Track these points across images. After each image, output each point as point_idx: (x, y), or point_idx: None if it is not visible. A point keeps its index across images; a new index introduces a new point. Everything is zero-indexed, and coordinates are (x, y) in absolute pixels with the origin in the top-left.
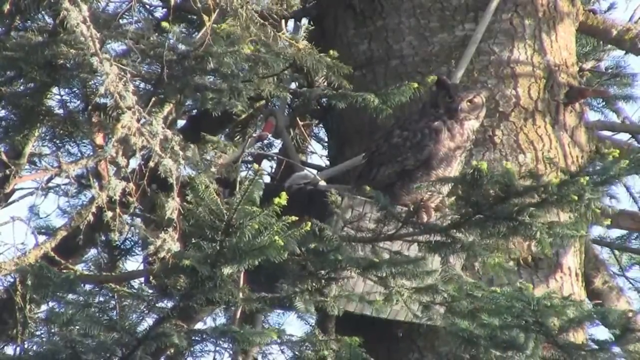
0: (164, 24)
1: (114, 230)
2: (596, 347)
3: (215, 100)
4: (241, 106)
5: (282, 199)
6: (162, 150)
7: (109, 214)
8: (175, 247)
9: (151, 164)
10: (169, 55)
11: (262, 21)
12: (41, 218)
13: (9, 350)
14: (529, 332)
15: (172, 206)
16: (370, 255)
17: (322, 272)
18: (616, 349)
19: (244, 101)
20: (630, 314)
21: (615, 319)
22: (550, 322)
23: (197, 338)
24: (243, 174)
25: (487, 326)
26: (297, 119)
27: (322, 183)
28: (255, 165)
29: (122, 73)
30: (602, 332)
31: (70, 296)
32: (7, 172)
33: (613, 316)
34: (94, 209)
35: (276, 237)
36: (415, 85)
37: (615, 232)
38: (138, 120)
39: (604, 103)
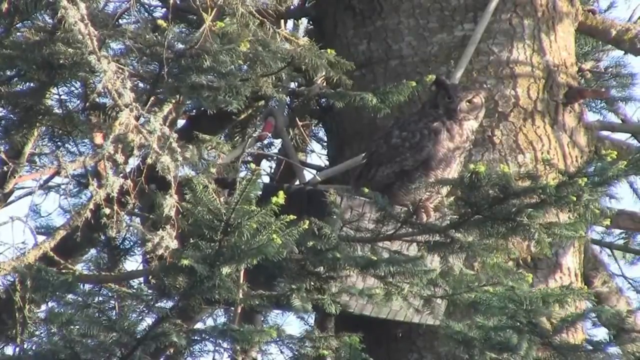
0: (160, 22)
1: (111, 227)
2: (591, 348)
3: (210, 98)
4: (237, 104)
5: (280, 198)
6: (160, 148)
7: (107, 211)
8: (173, 244)
9: (149, 161)
10: (166, 53)
11: (260, 18)
12: (42, 217)
13: (9, 350)
14: (522, 334)
15: (170, 203)
16: (369, 255)
17: (321, 270)
18: (611, 350)
19: (242, 99)
20: (627, 313)
21: (609, 319)
22: (544, 323)
23: (196, 338)
24: (242, 174)
25: (481, 328)
26: (297, 119)
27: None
28: (253, 165)
29: (120, 70)
30: (602, 332)
31: (70, 296)
32: (5, 168)
33: (606, 315)
34: (91, 206)
35: (274, 236)
36: (414, 84)
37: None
38: (137, 118)
39: (603, 104)
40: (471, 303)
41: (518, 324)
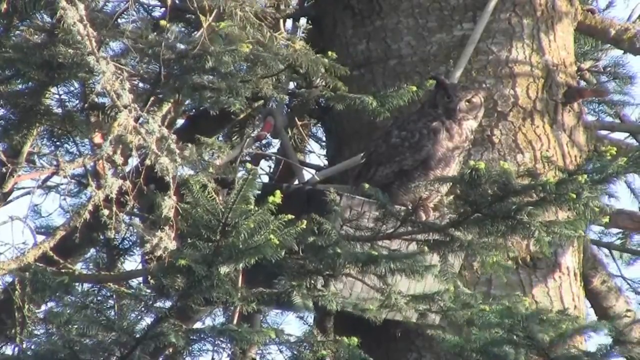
0: (162, 22)
1: (110, 228)
2: (587, 358)
3: (213, 99)
4: (239, 104)
5: (277, 198)
6: (159, 149)
7: (106, 212)
8: (172, 245)
9: (148, 162)
10: (167, 54)
11: (258, 22)
12: (43, 217)
13: (8, 350)
14: (519, 348)
15: (169, 204)
16: (369, 250)
17: (321, 270)
18: None
19: (243, 101)
20: (629, 314)
21: (606, 334)
22: (541, 337)
23: (195, 337)
24: (241, 174)
25: (477, 340)
26: (296, 118)
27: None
28: (249, 165)
29: (119, 72)
30: (601, 334)
31: (69, 297)
32: (4, 170)
33: (603, 330)
34: (90, 207)
35: (272, 236)
36: (414, 88)
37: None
38: (136, 119)
39: (601, 104)
40: (466, 321)
41: (515, 337)
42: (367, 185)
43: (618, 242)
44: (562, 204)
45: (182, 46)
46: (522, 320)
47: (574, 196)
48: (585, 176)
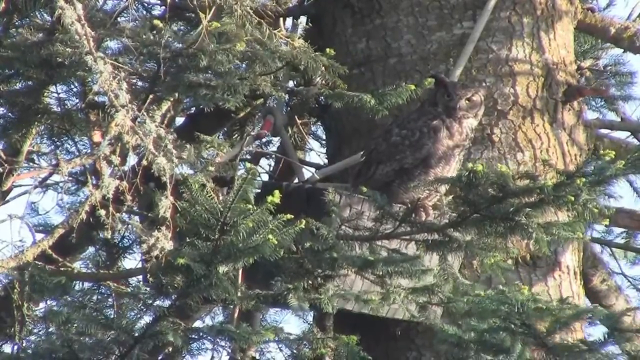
0: (156, 22)
1: (107, 228)
2: (586, 347)
3: (208, 96)
4: (234, 102)
5: (276, 197)
6: (156, 149)
7: (103, 212)
8: (169, 245)
9: (144, 162)
10: (163, 53)
11: (257, 19)
12: (40, 215)
13: (7, 348)
14: (515, 335)
15: (166, 205)
16: (367, 254)
17: (319, 270)
18: (606, 350)
19: (240, 98)
20: (628, 311)
21: (602, 320)
22: (538, 325)
23: (194, 336)
24: (241, 172)
25: (475, 330)
26: (296, 117)
27: None
28: (248, 165)
29: (116, 72)
30: (599, 331)
31: (67, 296)
32: (1, 169)
33: (599, 316)
34: (87, 208)
35: (270, 236)
36: (412, 87)
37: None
38: (134, 120)
39: (603, 102)
40: (467, 312)
41: (512, 325)
42: (365, 189)
43: (621, 241)
44: (561, 206)
45: (178, 45)
46: (518, 306)
47: (572, 198)
48: (584, 178)
